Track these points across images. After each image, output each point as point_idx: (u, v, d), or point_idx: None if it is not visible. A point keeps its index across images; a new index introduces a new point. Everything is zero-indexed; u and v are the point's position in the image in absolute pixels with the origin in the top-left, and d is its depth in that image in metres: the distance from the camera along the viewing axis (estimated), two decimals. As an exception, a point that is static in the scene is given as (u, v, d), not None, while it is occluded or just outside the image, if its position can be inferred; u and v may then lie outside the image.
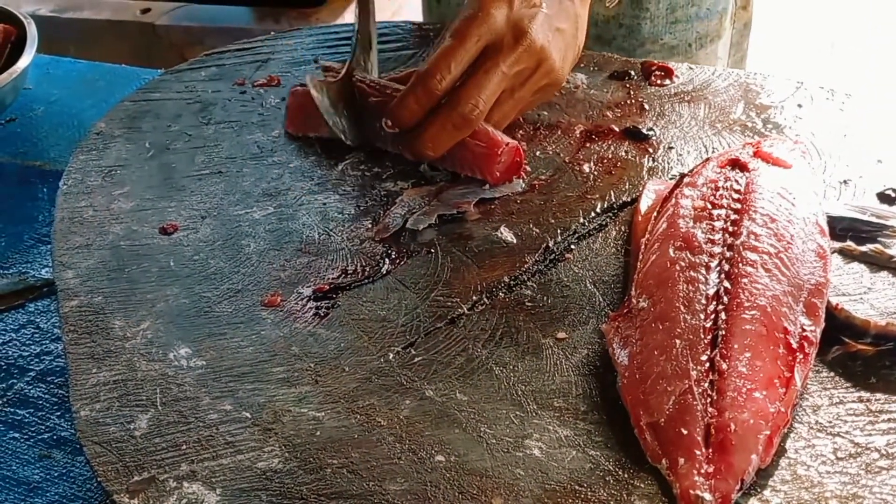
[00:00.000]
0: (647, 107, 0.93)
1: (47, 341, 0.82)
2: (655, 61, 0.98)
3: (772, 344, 0.64)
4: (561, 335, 0.70)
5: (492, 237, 0.79)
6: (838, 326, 0.67)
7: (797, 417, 0.62)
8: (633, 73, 0.98)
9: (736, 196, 0.74)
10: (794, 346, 0.64)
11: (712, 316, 0.65)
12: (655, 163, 0.86)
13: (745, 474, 0.58)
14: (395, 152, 0.88)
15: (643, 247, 0.73)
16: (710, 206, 0.74)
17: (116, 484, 0.60)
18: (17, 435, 0.74)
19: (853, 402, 0.63)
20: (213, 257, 0.79)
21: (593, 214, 0.81)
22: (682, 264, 0.69)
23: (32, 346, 0.81)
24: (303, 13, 2.07)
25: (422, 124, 0.83)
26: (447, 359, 0.68)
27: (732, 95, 0.94)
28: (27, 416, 0.75)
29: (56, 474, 0.71)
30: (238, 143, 0.92)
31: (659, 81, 0.96)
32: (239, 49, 1.06)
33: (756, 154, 0.80)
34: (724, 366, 0.62)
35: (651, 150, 0.88)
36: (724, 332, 0.64)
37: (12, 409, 0.76)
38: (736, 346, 0.63)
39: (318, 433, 0.63)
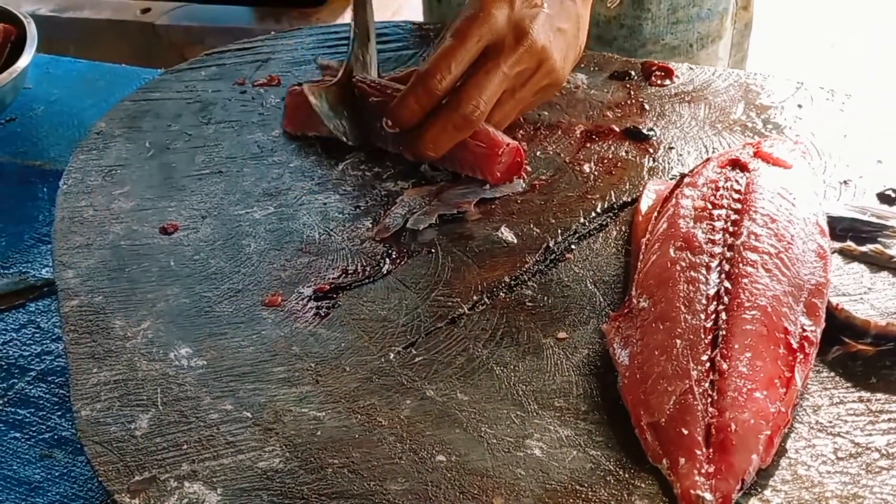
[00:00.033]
0: (647, 107, 0.93)
1: (48, 341, 0.82)
2: (656, 61, 0.98)
3: (772, 344, 0.64)
4: (561, 335, 0.70)
5: (492, 237, 0.79)
6: (838, 326, 0.67)
7: (797, 417, 0.62)
8: (633, 73, 0.98)
9: (736, 196, 0.74)
10: (795, 346, 0.64)
11: (713, 316, 0.65)
12: (656, 163, 0.87)
13: (746, 474, 0.58)
14: (395, 152, 0.88)
15: (643, 247, 0.73)
16: (710, 207, 0.74)
17: (117, 484, 0.60)
18: (17, 435, 0.74)
19: (853, 402, 0.63)
20: (214, 257, 0.79)
21: (594, 214, 0.81)
22: (683, 264, 0.69)
23: (33, 346, 0.81)
24: (303, 13, 2.07)
25: (422, 125, 0.83)
26: (448, 359, 0.68)
27: (733, 96, 0.94)
28: (28, 415, 0.75)
29: (57, 474, 0.71)
30: (238, 142, 0.92)
31: (659, 82, 0.96)
32: (239, 49, 1.06)
33: (756, 154, 0.80)
34: (725, 366, 0.62)
35: (651, 151, 0.88)
36: (724, 332, 0.64)
37: (13, 409, 0.76)
38: (736, 346, 0.63)
39: (319, 433, 0.63)
